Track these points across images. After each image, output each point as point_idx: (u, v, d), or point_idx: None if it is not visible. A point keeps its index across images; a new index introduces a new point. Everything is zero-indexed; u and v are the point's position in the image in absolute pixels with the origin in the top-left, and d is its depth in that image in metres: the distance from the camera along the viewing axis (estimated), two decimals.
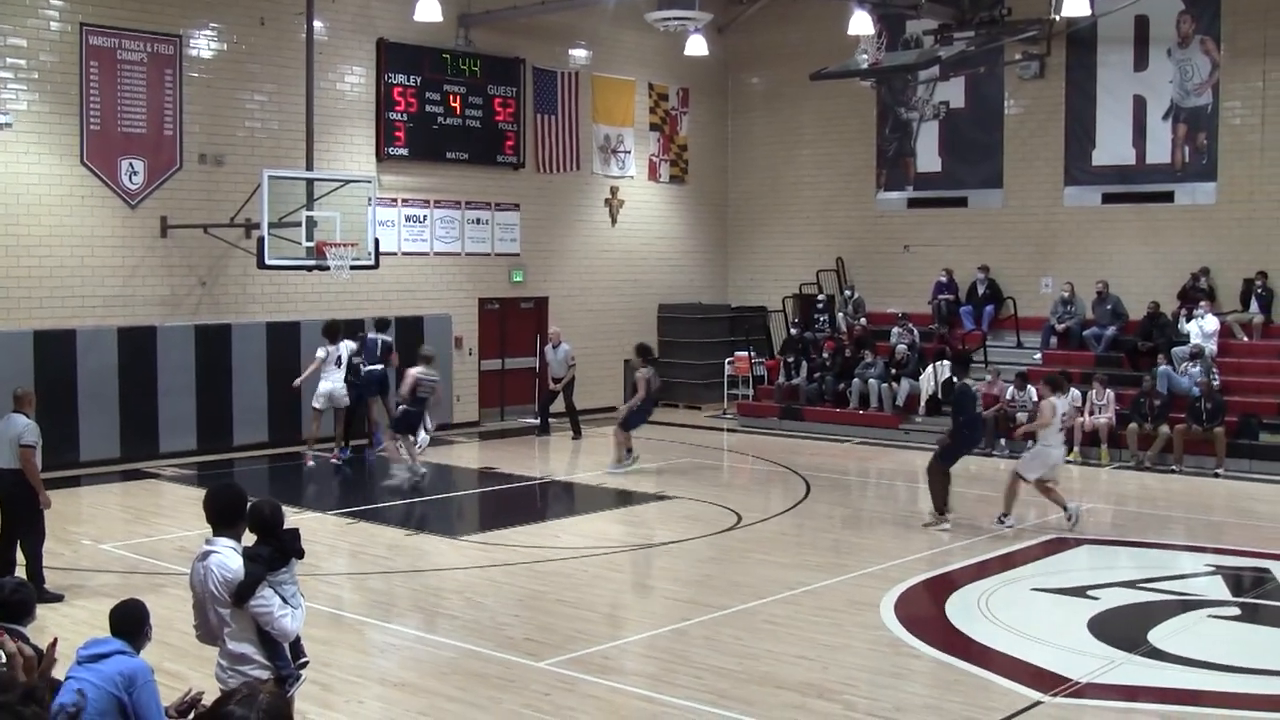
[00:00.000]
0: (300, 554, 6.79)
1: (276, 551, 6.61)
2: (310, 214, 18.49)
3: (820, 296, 25.85)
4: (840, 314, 25.37)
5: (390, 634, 10.79)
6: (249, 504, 6.81)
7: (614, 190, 25.97)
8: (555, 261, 24.92)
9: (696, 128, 27.59)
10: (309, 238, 18.39)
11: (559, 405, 22.50)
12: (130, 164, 19.13)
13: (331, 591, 11.98)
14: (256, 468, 19.11)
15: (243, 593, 6.47)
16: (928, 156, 25.57)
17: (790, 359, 24.49)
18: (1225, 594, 12.37)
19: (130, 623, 6.30)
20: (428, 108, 22.57)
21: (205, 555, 6.64)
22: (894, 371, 22.90)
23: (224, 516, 6.73)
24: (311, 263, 18.70)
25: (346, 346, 19.05)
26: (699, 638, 10.62)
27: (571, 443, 21.98)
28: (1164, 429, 19.35)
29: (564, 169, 24.87)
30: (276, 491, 16.98)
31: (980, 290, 24.24)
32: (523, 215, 24.24)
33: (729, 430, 23.69)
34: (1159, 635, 10.78)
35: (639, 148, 26.44)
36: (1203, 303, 21.42)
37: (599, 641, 10.51)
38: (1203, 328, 20.95)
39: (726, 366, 25.62)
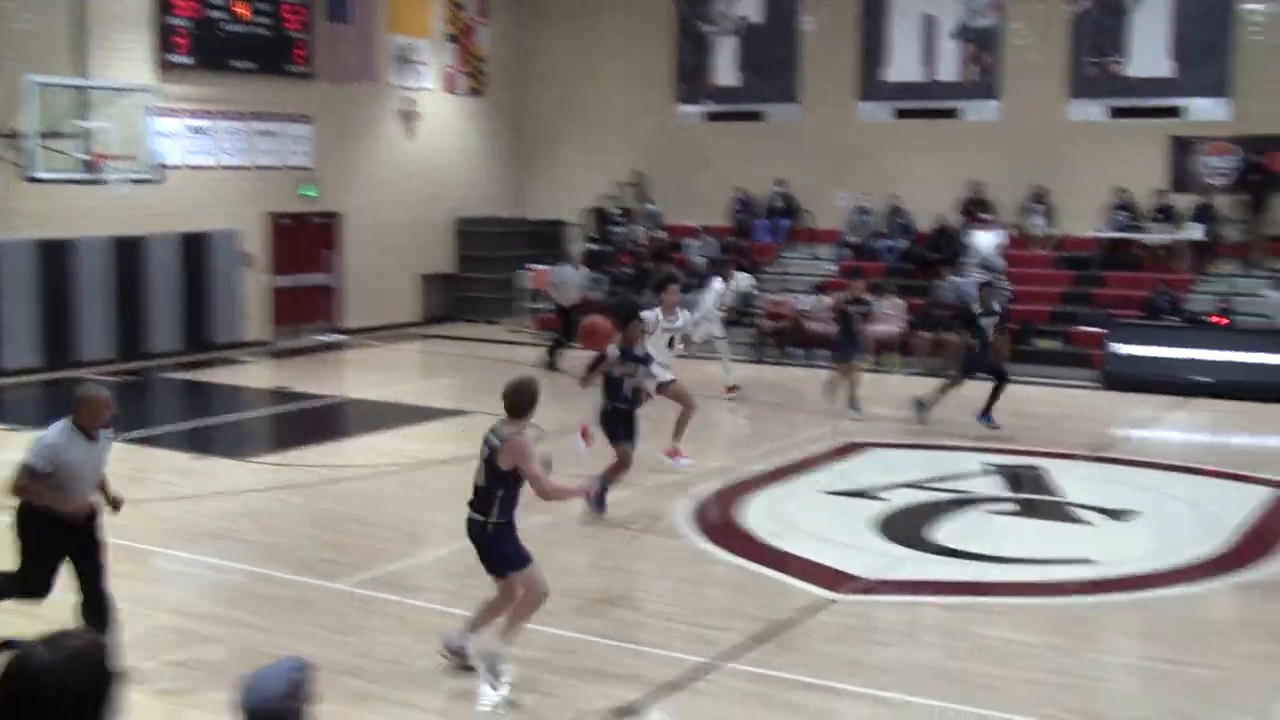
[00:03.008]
0: None
1: None
2: (84, 124, 17.60)
3: (618, 210, 25.86)
4: (638, 227, 25.44)
5: (179, 562, 10.50)
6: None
7: (410, 103, 25.40)
8: (350, 176, 24.28)
9: (494, 39, 27.12)
10: (83, 150, 17.53)
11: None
12: None
13: (115, 520, 11.55)
14: (27, 392, 18.23)
15: None
16: (726, 71, 25.70)
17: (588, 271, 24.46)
18: (1003, 491, 12.93)
19: None
20: (211, 13, 21.53)
21: None
22: (691, 283, 23.04)
23: None
24: (88, 177, 17.82)
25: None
26: None
27: (374, 361, 21.58)
28: (950, 336, 20.01)
29: (358, 80, 24.17)
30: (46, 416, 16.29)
31: (777, 204, 24.59)
32: (315, 128, 23.51)
33: (529, 344, 23.59)
34: (943, 532, 11.23)
35: (436, 59, 25.89)
36: (985, 216, 22.18)
37: (397, 560, 10.43)
38: (988, 240, 21.71)
39: (521, 279, 25.38)
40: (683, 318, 13.87)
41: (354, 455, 14.45)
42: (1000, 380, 15.47)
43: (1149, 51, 22.15)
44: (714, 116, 25.88)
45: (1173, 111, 22.04)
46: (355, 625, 8.81)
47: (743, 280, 21.63)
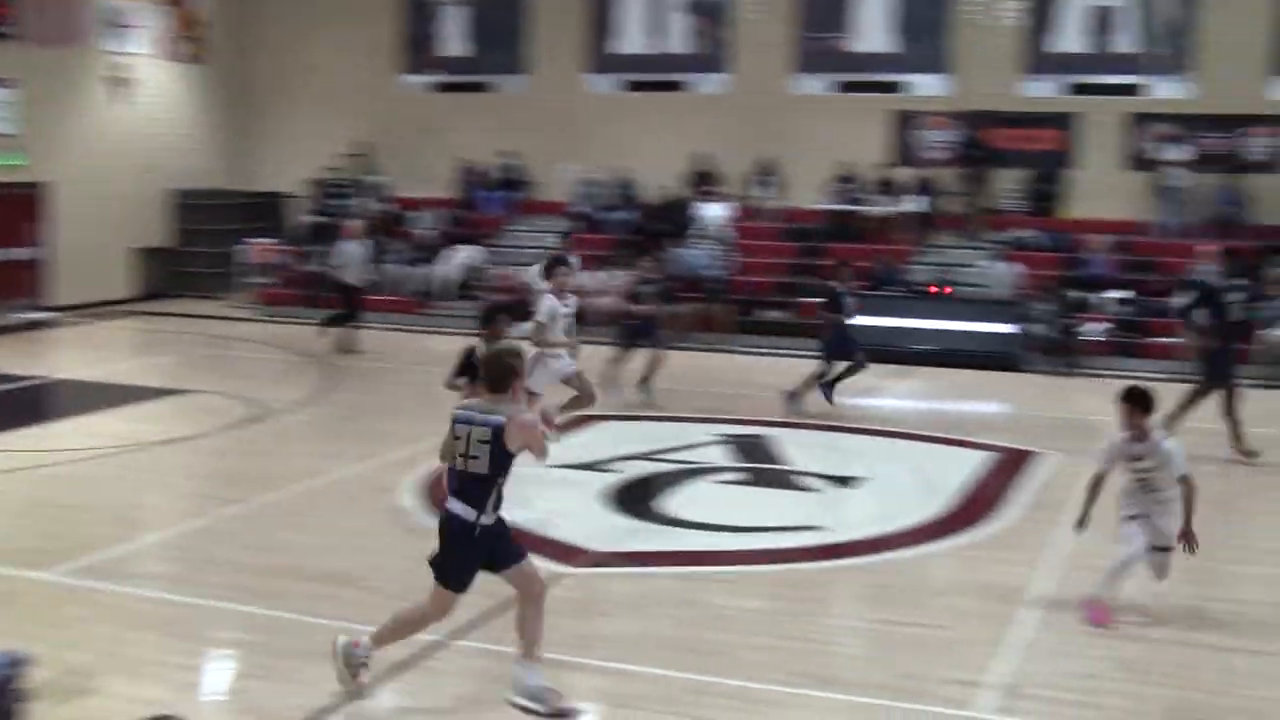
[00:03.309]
0: None
1: None
2: None
3: (343, 180, 25.23)
4: (363, 199, 24.85)
5: None
6: None
7: (123, 68, 24.10)
8: (60, 144, 22.86)
9: (214, 4, 26.01)
10: None
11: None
12: None
13: None
14: None
15: None
16: (454, 40, 25.41)
17: (312, 245, 23.77)
18: (732, 460, 13.15)
19: None
20: None
21: None
22: (418, 256, 22.79)
23: None
24: None
25: None
26: (221, 534, 10.23)
27: (85, 339, 20.45)
28: (678, 308, 20.29)
29: (66, 43, 22.71)
30: None
31: (503, 175, 24.49)
32: (19, 93, 22.00)
33: (250, 320, 22.74)
34: (673, 503, 11.35)
35: (151, 22, 24.61)
36: (713, 188, 22.60)
37: (111, 546, 9.88)
38: (715, 211, 22.12)
39: (243, 253, 24.48)
40: (573, 301, 13.00)
41: (63, 439, 13.59)
42: (856, 363, 15.54)
43: (872, 28, 22.95)
44: (441, 87, 25.54)
45: (895, 87, 22.91)
46: (66, 617, 8.31)
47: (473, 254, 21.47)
